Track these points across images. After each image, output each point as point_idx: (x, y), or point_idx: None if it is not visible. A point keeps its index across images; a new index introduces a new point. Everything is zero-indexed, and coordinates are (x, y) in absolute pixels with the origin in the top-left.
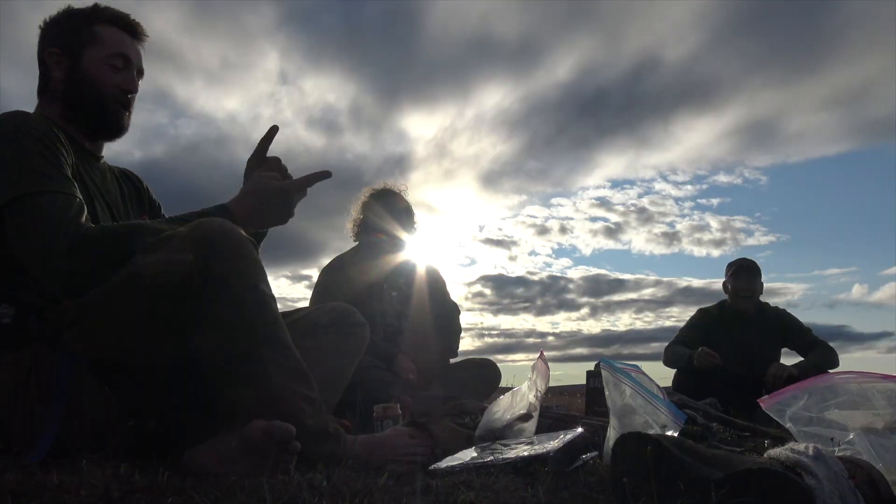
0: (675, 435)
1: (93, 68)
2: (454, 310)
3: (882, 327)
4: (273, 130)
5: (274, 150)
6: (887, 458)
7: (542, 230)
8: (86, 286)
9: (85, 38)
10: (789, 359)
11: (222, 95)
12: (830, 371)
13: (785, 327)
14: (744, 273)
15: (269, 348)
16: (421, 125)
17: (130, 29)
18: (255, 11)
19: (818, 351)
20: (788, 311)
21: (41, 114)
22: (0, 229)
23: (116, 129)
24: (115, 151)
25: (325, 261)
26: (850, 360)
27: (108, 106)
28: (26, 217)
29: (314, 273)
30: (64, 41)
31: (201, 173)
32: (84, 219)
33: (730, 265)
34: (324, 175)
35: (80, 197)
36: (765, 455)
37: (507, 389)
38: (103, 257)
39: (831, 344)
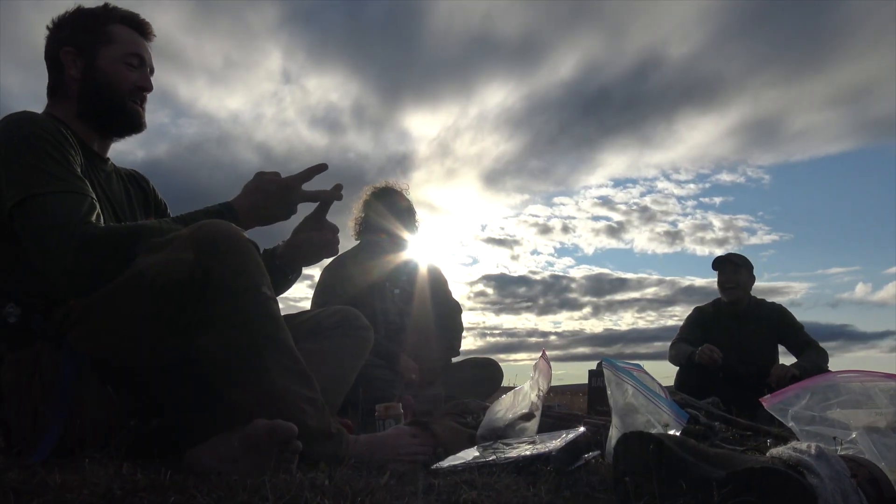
0: (678, 434)
1: (110, 67)
2: (456, 309)
3: (885, 326)
4: (333, 191)
5: (277, 150)
6: (889, 456)
7: (545, 229)
8: (92, 285)
9: (100, 37)
10: (786, 357)
11: (225, 95)
12: (831, 370)
13: (779, 323)
14: (722, 265)
15: (270, 349)
16: (423, 124)
17: (141, 28)
18: (258, 10)
19: (812, 351)
20: (789, 309)
21: (49, 114)
22: (8, 229)
23: (135, 125)
24: (117, 151)
25: (328, 260)
26: (853, 359)
27: (125, 104)
28: (35, 217)
29: (316, 272)
30: (78, 40)
31: (204, 173)
32: (95, 218)
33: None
34: (320, 168)
35: (93, 195)
36: (767, 454)
37: (509, 389)
38: (110, 257)
39: (834, 343)
